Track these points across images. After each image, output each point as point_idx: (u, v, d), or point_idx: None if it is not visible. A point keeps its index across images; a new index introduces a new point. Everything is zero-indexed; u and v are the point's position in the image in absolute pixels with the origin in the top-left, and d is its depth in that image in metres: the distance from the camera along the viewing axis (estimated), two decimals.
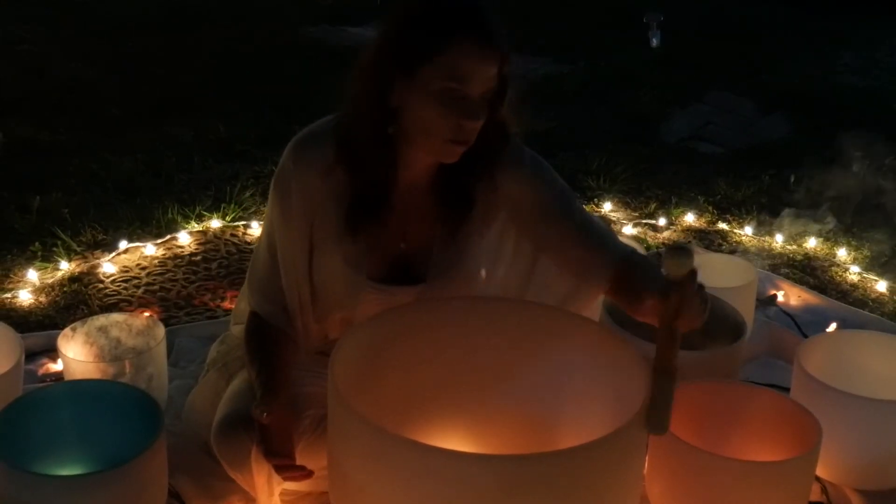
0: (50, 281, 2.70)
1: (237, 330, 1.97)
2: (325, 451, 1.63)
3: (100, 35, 5.11)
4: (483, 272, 1.85)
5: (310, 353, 1.89)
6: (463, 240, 1.80)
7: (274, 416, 1.62)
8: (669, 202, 3.37)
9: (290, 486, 1.75)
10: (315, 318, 1.83)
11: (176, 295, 2.69)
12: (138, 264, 2.84)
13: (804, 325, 2.58)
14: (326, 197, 1.74)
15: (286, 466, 1.62)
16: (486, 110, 1.61)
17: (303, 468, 1.61)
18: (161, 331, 2.11)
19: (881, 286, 2.85)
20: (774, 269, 2.91)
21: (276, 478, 1.67)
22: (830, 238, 3.09)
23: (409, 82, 1.58)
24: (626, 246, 1.84)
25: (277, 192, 1.76)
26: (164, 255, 2.90)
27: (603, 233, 1.84)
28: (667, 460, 1.74)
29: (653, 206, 3.36)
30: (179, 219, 3.10)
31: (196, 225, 3.08)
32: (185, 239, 2.99)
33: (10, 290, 2.65)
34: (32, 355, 2.28)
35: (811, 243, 3.09)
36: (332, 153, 1.70)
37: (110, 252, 2.87)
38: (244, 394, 1.77)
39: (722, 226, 3.22)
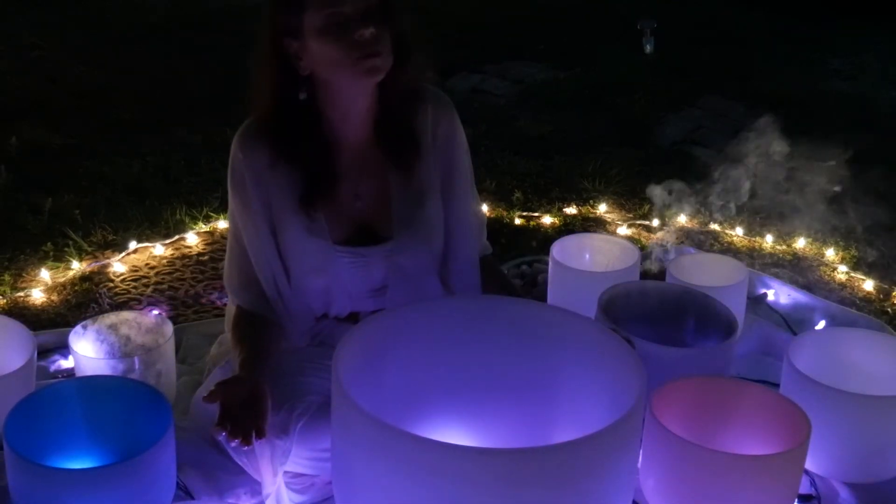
0: (62, 280, 2.74)
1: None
2: (322, 435, 1.67)
3: (110, 41, 5.14)
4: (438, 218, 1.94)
5: (303, 336, 1.93)
6: (418, 188, 1.89)
7: (231, 391, 1.65)
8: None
9: (294, 467, 1.78)
10: (294, 294, 1.88)
11: (184, 294, 2.73)
12: (147, 264, 2.88)
13: (794, 322, 2.60)
14: (277, 182, 1.83)
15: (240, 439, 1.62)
16: (376, 20, 1.71)
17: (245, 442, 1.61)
18: (169, 328, 2.15)
19: (868, 285, 2.87)
20: (764, 268, 2.94)
21: (278, 459, 1.71)
22: (819, 239, 3.12)
23: (302, 40, 1.72)
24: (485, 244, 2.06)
25: (233, 183, 1.86)
26: (172, 255, 2.94)
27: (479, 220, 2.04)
28: (660, 454, 1.76)
29: (647, 207, 3.37)
30: (187, 220, 3.14)
31: (203, 226, 3.12)
32: (192, 239, 3.03)
33: (23, 288, 2.69)
34: (45, 352, 2.31)
35: (800, 244, 3.12)
36: (272, 145, 1.81)
37: (120, 252, 2.90)
38: None
39: (714, 227, 3.25)
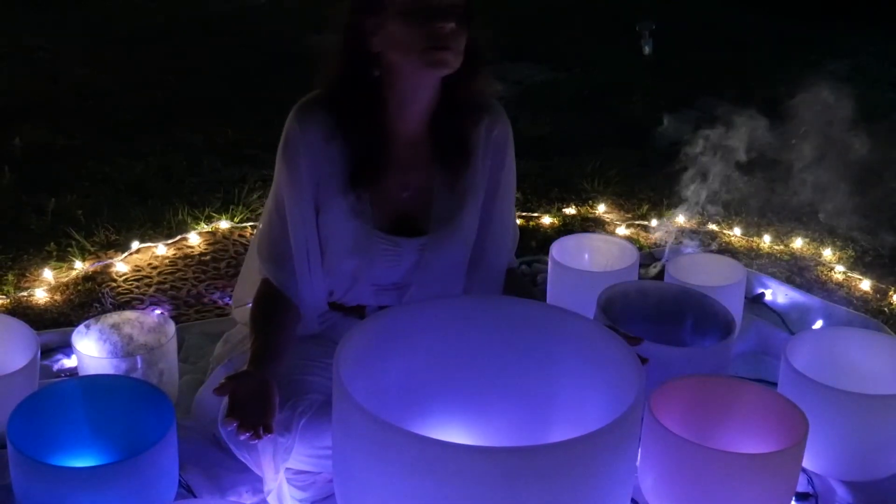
0: (65, 280, 2.75)
1: (237, 313, 2.04)
2: (324, 433, 1.68)
3: (112, 43, 5.17)
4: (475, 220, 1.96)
5: (314, 321, 1.94)
6: (461, 191, 1.91)
7: (241, 385, 1.66)
8: (661, 203, 3.40)
9: (296, 465, 1.79)
10: (325, 271, 1.90)
11: (186, 293, 2.74)
12: (150, 264, 2.89)
13: (791, 322, 2.61)
14: (330, 157, 1.84)
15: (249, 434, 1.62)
16: (458, 19, 1.72)
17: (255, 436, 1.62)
18: (171, 328, 2.15)
19: (865, 285, 2.88)
20: (762, 268, 2.95)
21: (280, 456, 1.72)
22: (816, 239, 3.13)
23: (379, 18, 1.73)
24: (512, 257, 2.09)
25: (285, 155, 1.86)
26: (174, 254, 2.96)
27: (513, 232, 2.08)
28: (659, 453, 1.77)
29: (645, 207, 3.39)
30: (189, 220, 3.15)
31: (205, 226, 3.13)
32: (194, 239, 3.04)
33: (27, 288, 2.70)
34: (48, 351, 2.32)
35: (797, 243, 3.13)
36: (331, 119, 1.82)
37: (123, 252, 2.92)
38: None
39: (712, 226, 3.25)
